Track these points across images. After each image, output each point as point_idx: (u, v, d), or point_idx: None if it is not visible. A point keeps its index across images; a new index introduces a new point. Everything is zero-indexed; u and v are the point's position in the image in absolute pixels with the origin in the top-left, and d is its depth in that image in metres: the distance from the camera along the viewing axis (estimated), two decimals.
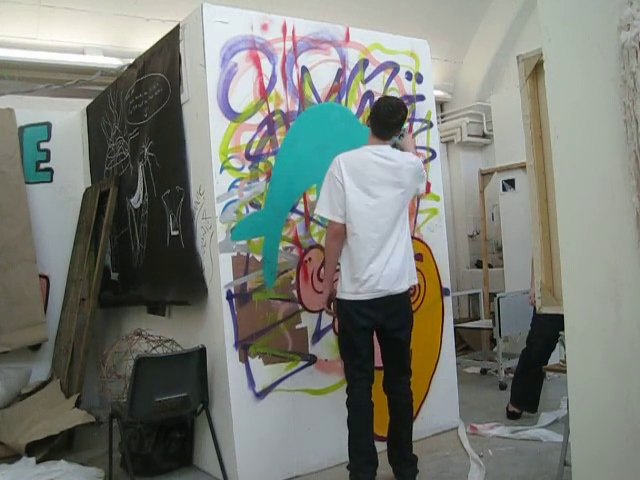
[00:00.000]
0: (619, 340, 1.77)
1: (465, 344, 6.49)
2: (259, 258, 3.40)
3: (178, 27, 3.53)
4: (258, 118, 3.44)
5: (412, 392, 3.20)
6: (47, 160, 4.89)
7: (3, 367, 4.42)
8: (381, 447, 3.20)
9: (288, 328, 3.47)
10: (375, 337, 3.16)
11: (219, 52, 3.32)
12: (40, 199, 4.80)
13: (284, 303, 3.47)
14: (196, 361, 3.31)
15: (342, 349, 3.21)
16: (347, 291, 3.05)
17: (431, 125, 4.11)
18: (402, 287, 3.07)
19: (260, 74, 3.45)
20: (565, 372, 1.98)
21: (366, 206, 3.03)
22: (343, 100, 3.74)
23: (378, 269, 3.00)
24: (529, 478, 3.19)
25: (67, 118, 5.06)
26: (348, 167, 3.05)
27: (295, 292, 3.50)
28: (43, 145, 4.88)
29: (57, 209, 4.88)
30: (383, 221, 3.04)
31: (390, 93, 3.90)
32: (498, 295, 5.20)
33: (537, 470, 3.27)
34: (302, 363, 3.49)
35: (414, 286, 3.23)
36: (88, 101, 4.99)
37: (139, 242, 4.12)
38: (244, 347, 3.31)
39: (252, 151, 3.42)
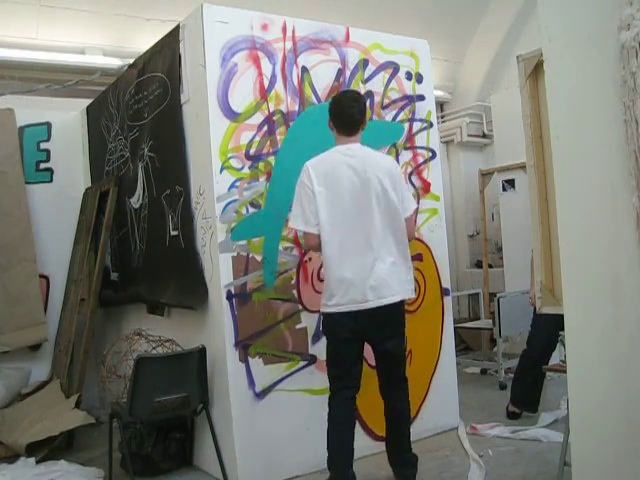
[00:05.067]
0: (619, 340, 1.77)
1: (465, 344, 6.49)
2: (259, 258, 3.40)
3: (178, 27, 3.54)
4: (258, 118, 3.44)
5: (408, 395, 3.12)
6: (47, 160, 4.89)
7: (3, 367, 4.42)
8: (382, 447, 3.20)
9: (288, 328, 3.47)
10: None
11: (219, 52, 3.33)
12: (40, 199, 4.80)
13: (284, 303, 3.47)
14: (196, 361, 3.31)
15: (327, 359, 3.08)
16: (329, 304, 2.92)
17: (431, 125, 4.11)
18: (392, 298, 2.88)
19: (260, 74, 3.45)
20: (565, 372, 1.98)
21: (341, 212, 2.87)
22: None
23: (360, 279, 2.84)
24: (529, 478, 3.20)
25: (67, 118, 5.06)
26: (318, 173, 2.90)
27: (295, 292, 3.50)
28: (43, 145, 4.88)
29: (57, 209, 4.87)
30: (361, 226, 2.86)
31: (390, 93, 3.91)
32: (498, 295, 5.20)
33: (537, 470, 3.27)
34: (302, 363, 3.49)
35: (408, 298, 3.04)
36: (88, 101, 4.99)
37: (139, 242, 4.12)
38: (244, 347, 3.31)
39: (252, 151, 3.42)
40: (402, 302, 2.99)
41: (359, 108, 3.00)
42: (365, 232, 2.87)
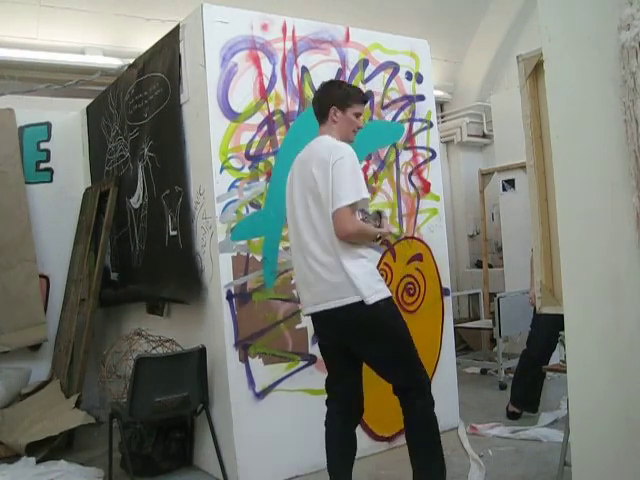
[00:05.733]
0: (619, 340, 1.77)
1: (465, 344, 6.49)
2: (259, 258, 3.40)
3: (178, 27, 3.54)
4: (258, 118, 3.44)
5: (417, 414, 2.79)
6: (47, 160, 4.89)
7: (3, 367, 4.42)
8: (382, 447, 3.20)
9: (288, 328, 3.47)
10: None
11: (219, 52, 3.33)
12: (40, 199, 4.80)
13: (284, 303, 3.47)
14: (196, 361, 3.31)
15: None
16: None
17: (431, 125, 4.11)
18: (342, 301, 2.56)
19: (260, 74, 3.45)
20: (565, 372, 1.98)
21: (293, 212, 2.76)
22: None
23: (306, 281, 2.68)
24: (529, 478, 3.20)
25: (67, 118, 5.06)
26: (291, 174, 2.82)
27: (295, 292, 3.50)
28: (43, 145, 4.88)
29: (57, 209, 4.87)
30: (305, 225, 2.67)
31: (390, 93, 3.91)
32: (498, 295, 5.20)
33: (537, 470, 3.27)
34: (302, 363, 3.49)
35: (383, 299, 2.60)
36: (88, 101, 4.99)
37: (138, 242, 4.12)
38: (244, 347, 3.31)
39: (252, 151, 3.42)
40: (360, 305, 2.56)
41: (317, 96, 2.83)
42: (307, 230, 2.67)
